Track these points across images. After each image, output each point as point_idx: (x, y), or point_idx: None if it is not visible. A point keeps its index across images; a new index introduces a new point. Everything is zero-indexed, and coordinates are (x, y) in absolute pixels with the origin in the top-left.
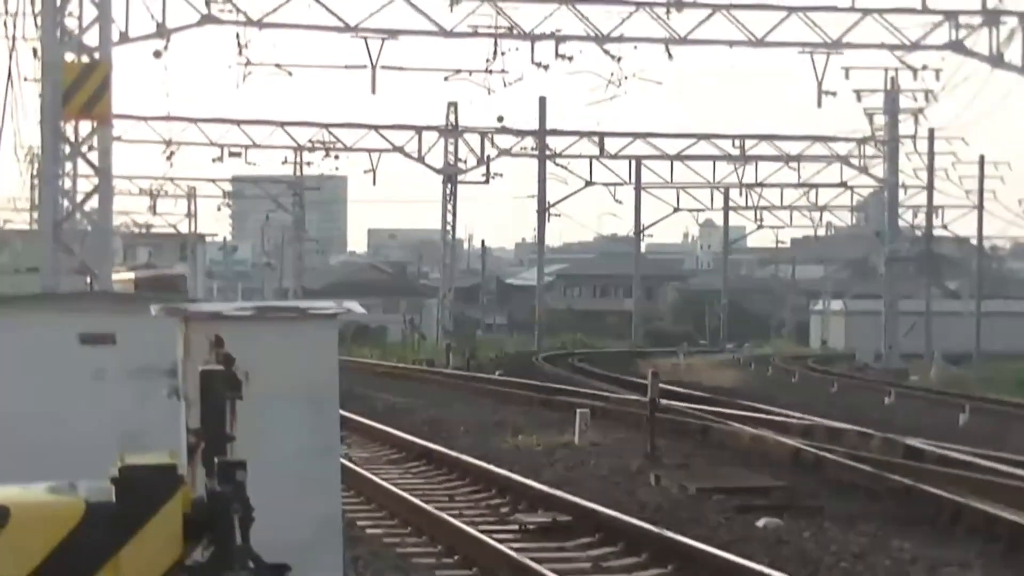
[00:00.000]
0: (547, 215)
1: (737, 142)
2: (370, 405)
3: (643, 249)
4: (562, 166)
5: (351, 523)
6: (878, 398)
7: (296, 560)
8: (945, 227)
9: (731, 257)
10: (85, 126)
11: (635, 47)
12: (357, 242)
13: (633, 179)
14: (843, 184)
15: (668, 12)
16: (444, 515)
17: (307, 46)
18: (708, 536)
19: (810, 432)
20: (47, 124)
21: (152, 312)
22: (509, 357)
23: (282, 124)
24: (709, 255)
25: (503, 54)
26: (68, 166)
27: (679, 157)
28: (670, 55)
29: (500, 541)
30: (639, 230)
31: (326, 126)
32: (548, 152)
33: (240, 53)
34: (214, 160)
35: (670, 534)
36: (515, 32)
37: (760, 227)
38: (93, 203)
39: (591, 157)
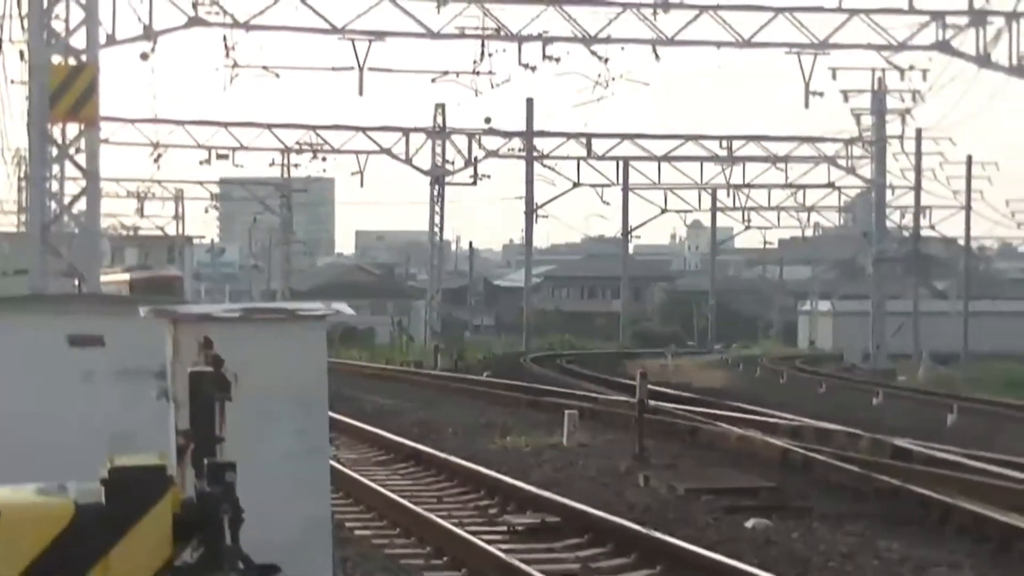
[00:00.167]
0: (535, 216)
1: (725, 143)
2: (358, 407)
3: (631, 250)
4: (550, 167)
5: (340, 524)
6: (866, 398)
7: (286, 561)
8: (933, 227)
9: (719, 258)
10: (72, 128)
11: (622, 48)
12: (345, 244)
13: (621, 180)
14: (831, 185)
15: (655, 13)
16: (433, 516)
17: (294, 48)
18: (697, 537)
19: (798, 433)
20: (34, 126)
21: (141, 314)
22: (497, 358)
23: (269, 126)
24: (697, 256)
25: (490, 55)
26: (56, 168)
27: (667, 158)
28: (657, 56)
29: (489, 542)
30: (627, 231)
31: (313, 128)
32: (536, 153)
33: (227, 55)
34: (201, 162)
35: (659, 535)
36: (502, 33)
37: (748, 228)
38: (81, 205)
39: (579, 158)
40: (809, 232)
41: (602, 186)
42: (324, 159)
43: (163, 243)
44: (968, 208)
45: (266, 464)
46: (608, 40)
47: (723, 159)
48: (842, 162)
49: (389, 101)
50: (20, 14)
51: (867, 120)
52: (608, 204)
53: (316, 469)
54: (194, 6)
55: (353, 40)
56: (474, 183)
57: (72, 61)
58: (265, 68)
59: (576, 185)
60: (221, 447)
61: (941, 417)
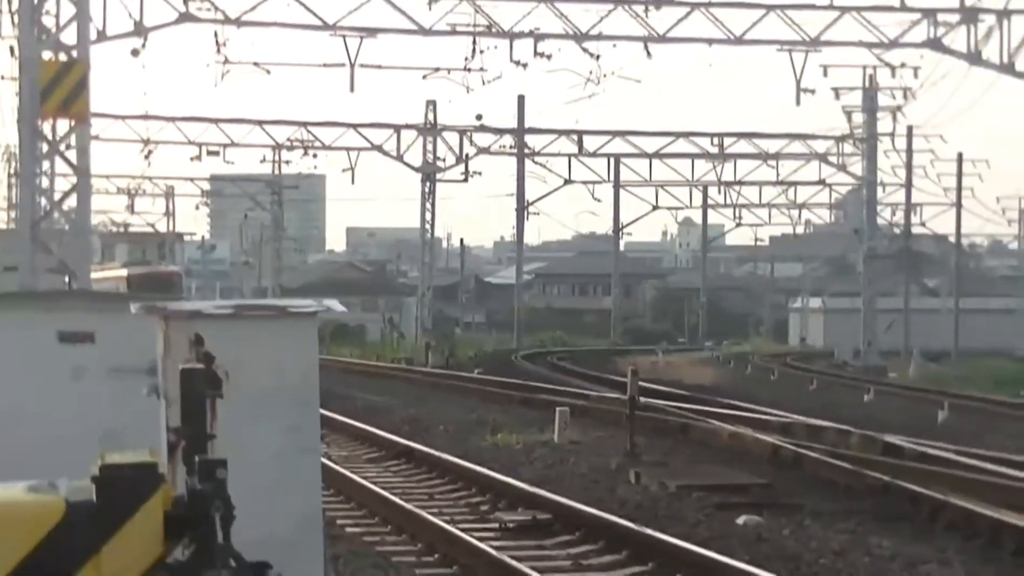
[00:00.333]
0: (526, 213)
1: (716, 140)
2: (350, 404)
3: (622, 247)
4: (541, 164)
5: (331, 522)
6: (857, 395)
7: (277, 558)
8: (923, 224)
9: (710, 255)
10: (63, 125)
11: (614, 45)
12: (336, 241)
13: (612, 177)
14: (821, 182)
15: (647, 10)
16: (424, 513)
17: (285, 44)
18: (688, 533)
19: (789, 429)
20: (25, 123)
21: (132, 311)
22: (488, 355)
23: (260, 123)
24: (688, 253)
25: (481, 52)
26: (46, 165)
27: (658, 155)
28: (649, 53)
29: (480, 539)
30: (618, 228)
31: (304, 124)
32: (527, 150)
33: (218, 51)
34: (192, 159)
35: (650, 532)
36: (493, 30)
37: (739, 225)
38: (71, 202)
39: (570, 155)
40: (800, 229)
41: (593, 183)
42: (315, 156)
43: (153, 240)
44: (959, 205)
45: (257, 461)
46: (599, 37)
47: (714, 156)
48: (833, 159)
49: (380, 98)
50: (10, 10)
51: (858, 117)
52: (599, 201)
53: (308, 466)
54: (185, 2)
55: (344, 36)
56: (465, 180)
57: (63, 57)
58: (256, 64)
59: (567, 182)
60: (212, 444)
61: (932, 414)
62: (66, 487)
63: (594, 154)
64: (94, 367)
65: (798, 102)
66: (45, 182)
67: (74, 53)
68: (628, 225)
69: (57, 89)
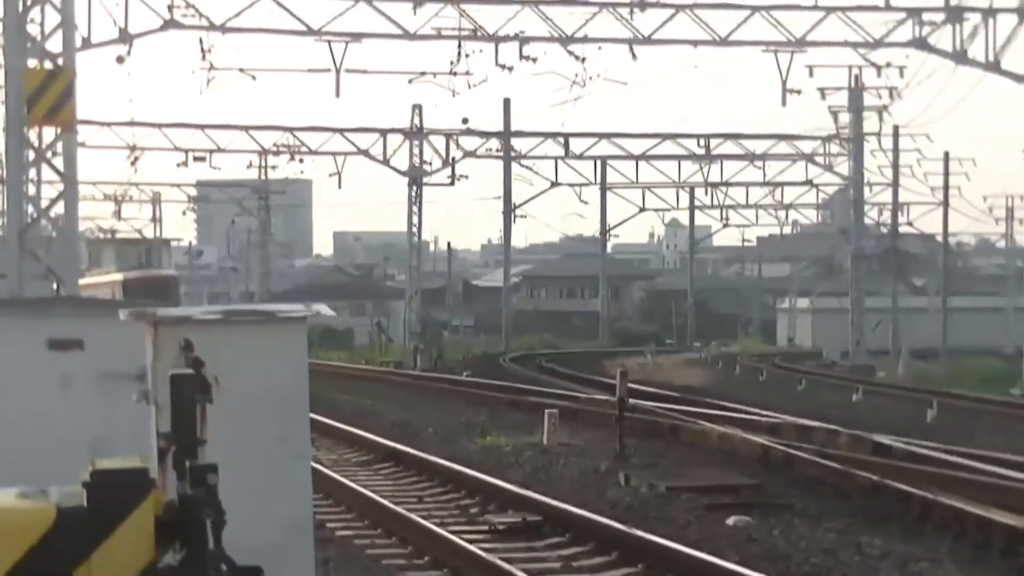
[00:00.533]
0: (513, 216)
1: (702, 141)
2: (338, 408)
3: (609, 249)
4: (527, 167)
5: (321, 525)
6: (846, 395)
7: (268, 563)
8: (910, 224)
9: (697, 256)
10: (49, 132)
11: (599, 48)
12: (323, 245)
13: (598, 179)
14: (808, 182)
15: (632, 12)
16: (414, 516)
17: (271, 50)
18: (678, 535)
19: (778, 430)
20: (11, 130)
21: (121, 317)
22: (476, 358)
23: (246, 128)
24: (675, 254)
25: (467, 56)
26: (32, 172)
27: (644, 157)
28: (634, 55)
29: (470, 542)
30: (605, 230)
31: (290, 130)
32: (513, 153)
33: (203, 58)
34: (179, 165)
35: (640, 533)
36: (479, 34)
37: (726, 226)
38: (58, 209)
39: (556, 158)
40: (787, 230)
41: (580, 185)
42: (301, 160)
43: (140, 246)
44: (946, 204)
45: (248, 466)
46: (585, 40)
47: (701, 157)
48: (820, 159)
49: (366, 102)
50: None
51: (844, 117)
52: (586, 203)
53: (298, 470)
54: (169, 9)
55: (330, 42)
56: (452, 183)
57: (48, 65)
58: (242, 70)
59: (554, 185)
60: (203, 449)
61: (921, 413)
62: (57, 493)
63: (580, 156)
64: (83, 374)
65: (784, 103)
66: (32, 189)
67: (60, 61)
68: (615, 227)
69: (43, 97)
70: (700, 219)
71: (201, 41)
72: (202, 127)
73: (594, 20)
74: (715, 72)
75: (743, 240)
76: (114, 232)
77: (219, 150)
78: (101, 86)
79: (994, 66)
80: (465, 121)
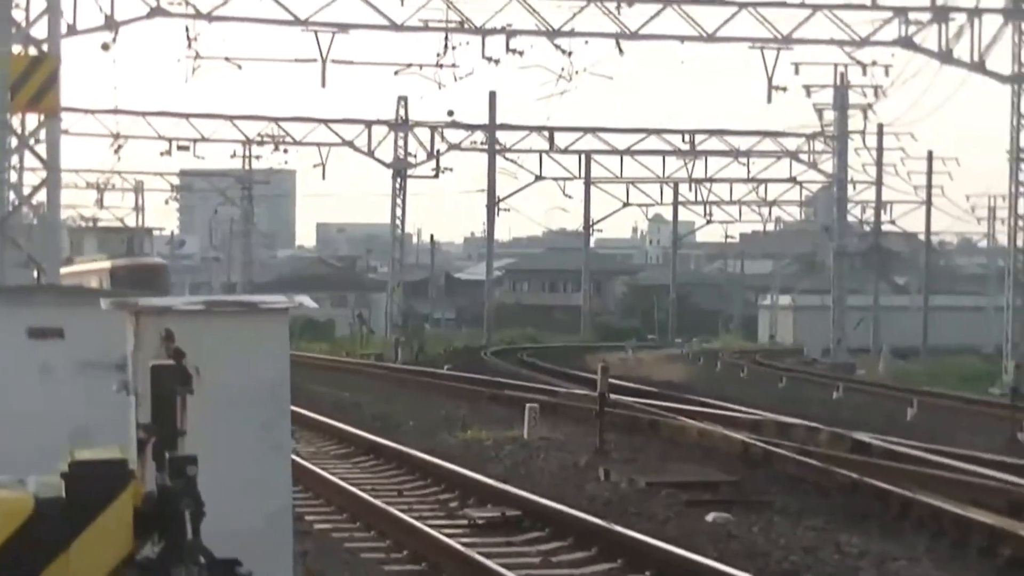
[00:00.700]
0: (496, 209)
1: (687, 137)
2: (318, 400)
3: (592, 244)
4: (512, 160)
5: (300, 518)
6: (826, 392)
7: (247, 554)
8: (893, 222)
9: (680, 252)
10: (32, 119)
11: (586, 42)
12: (306, 236)
13: (583, 174)
14: (792, 179)
15: (619, 7)
16: (393, 510)
17: (257, 39)
18: (657, 530)
19: (759, 427)
20: None
21: (102, 306)
22: (458, 352)
23: (231, 118)
24: (658, 250)
25: (454, 48)
26: (15, 159)
27: (629, 152)
28: (621, 50)
29: (449, 536)
30: (588, 225)
31: (275, 120)
32: (498, 147)
33: (189, 46)
34: (162, 154)
35: (619, 528)
36: (466, 26)
37: (709, 222)
38: (41, 196)
39: (541, 152)
40: (770, 226)
41: (564, 179)
42: (286, 151)
43: (123, 234)
44: (929, 203)
45: (228, 457)
46: (572, 34)
47: (685, 153)
48: (804, 157)
49: (352, 93)
50: None
51: (829, 115)
52: (570, 197)
53: (278, 462)
54: None
55: (316, 32)
56: (436, 176)
57: (33, 51)
58: (227, 59)
59: (538, 178)
60: (182, 441)
61: (901, 411)
62: (35, 483)
63: (565, 151)
64: (64, 363)
65: (769, 99)
66: (14, 176)
67: (44, 47)
68: (599, 222)
69: (27, 83)
70: (683, 215)
71: (187, 29)
72: (186, 116)
73: (581, 14)
74: (701, 68)
75: (726, 236)
76: (96, 221)
77: (203, 139)
78: (86, 73)
79: (979, 66)
80: (450, 113)
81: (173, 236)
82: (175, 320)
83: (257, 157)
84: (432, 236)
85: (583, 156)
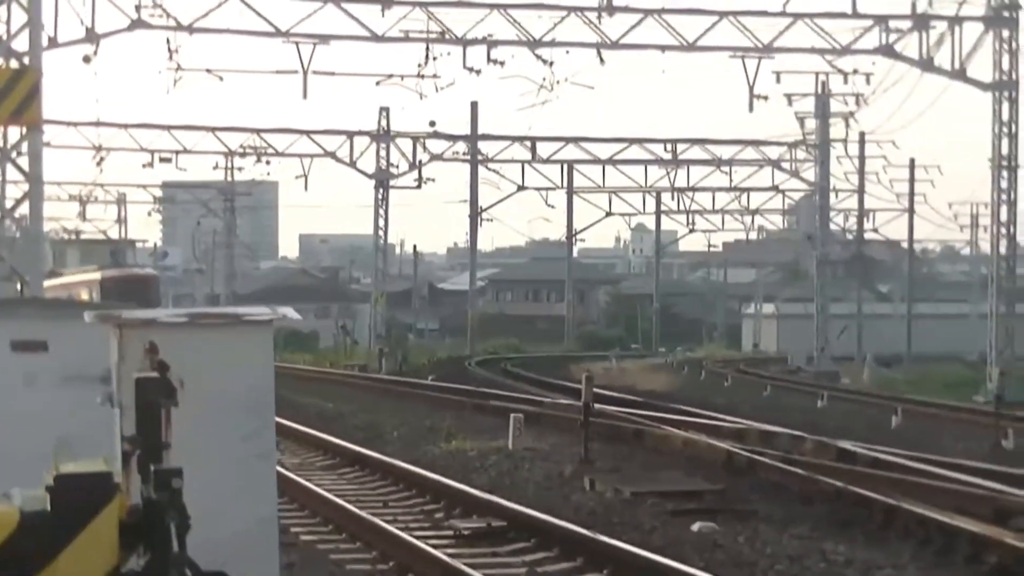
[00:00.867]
0: (479, 220)
1: (669, 146)
2: (302, 411)
3: (575, 253)
4: (494, 171)
5: (285, 529)
6: (810, 401)
7: (232, 565)
8: (876, 230)
9: (663, 261)
10: (14, 131)
11: (567, 52)
12: (288, 247)
13: (565, 183)
14: (774, 188)
15: (600, 17)
16: (378, 521)
17: (238, 51)
18: (642, 540)
19: (743, 435)
20: None
21: (86, 319)
22: (442, 362)
23: (213, 129)
24: (641, 259)
25: (435, 59)
26: None
27: (611, 161)
28: (602, 59)
29: (434, 547)
30: (571, 234)
31: (257, 131)
32: (480, 157)
33: (170, 58)
34: (144, 165)
35: (605, 538)
36: (447, 37)
37: (692, 231)
38: (23, 209)
39: (523, 162)
40: (753, 235)
41: (547, 189)
42: (268, 162)
43: (105, 247)
44: (911, 211)
45: (213, 469)
46: (553, 44)
47: (667, 162)
48: (786, 165)
49: (333, 104)
50: None
51: (811, 123)
52: (553, 207)
53: (263, 474)
54: (137, 9)
55: (297, 43)
56: (419, 186)
57: (14, 64)
58: (208, 71)
59: (520, 188)
60: (167, 453)
61: (885, 419)
62: (20, 496)
63: (547, 160)
64: (47, 375)
65: (751, 108)
66: None
67: (26, 60)
68: (581, 231)
69: (8, 96)
70: (666, 224)
71: (168, 41)
72: (168, 128)
73: (562, 24)
74: (683, 77)
75: (709, 245)
76: (79, 233)
77: (185, 151)
78: (67, 86)
79: (960, 74)
80: (432, 124)
81: (156, 248)
82: (159, 332)
83: (239, 169)
84: (415, 246)
85: (565, 166)
